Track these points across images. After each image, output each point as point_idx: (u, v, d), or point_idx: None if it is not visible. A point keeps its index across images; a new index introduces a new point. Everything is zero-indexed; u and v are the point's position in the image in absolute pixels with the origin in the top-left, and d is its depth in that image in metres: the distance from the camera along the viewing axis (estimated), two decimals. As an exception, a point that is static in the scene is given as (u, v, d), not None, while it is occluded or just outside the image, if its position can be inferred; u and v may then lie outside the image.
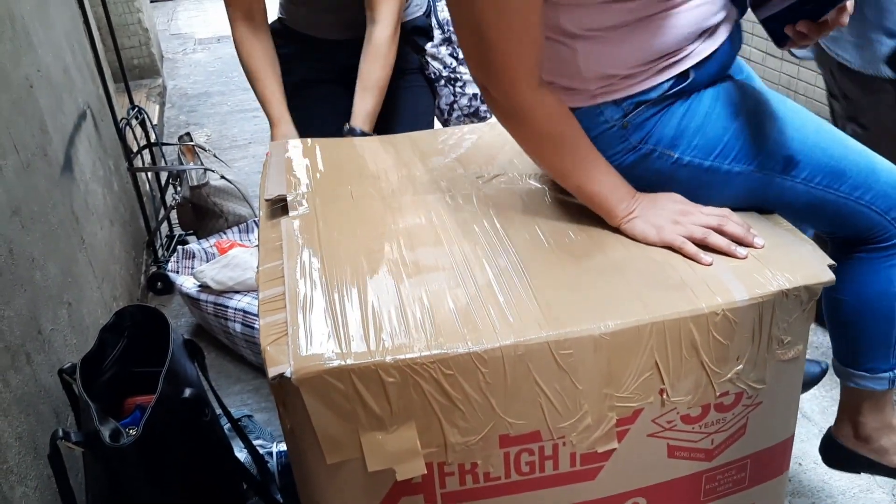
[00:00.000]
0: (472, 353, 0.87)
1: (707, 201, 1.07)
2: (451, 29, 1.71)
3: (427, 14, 1.71)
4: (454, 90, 1.76)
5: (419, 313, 0.92)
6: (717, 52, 1.06)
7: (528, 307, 0.92)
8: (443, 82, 1.74)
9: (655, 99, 1.03)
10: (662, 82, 1.03)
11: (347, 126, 1.58)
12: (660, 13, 0.99)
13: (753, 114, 1.07)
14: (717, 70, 1.08)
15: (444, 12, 1.74)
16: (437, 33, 1.72)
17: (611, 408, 0.93)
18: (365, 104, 1.56)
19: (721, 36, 1.06)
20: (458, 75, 1.75)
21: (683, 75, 1.03)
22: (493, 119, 1.51)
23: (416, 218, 1.12)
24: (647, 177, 1.07)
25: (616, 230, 1.07)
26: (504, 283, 0.97)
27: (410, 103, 1.68)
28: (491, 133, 1.41)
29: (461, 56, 1.72)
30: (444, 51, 1.73)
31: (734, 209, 1.07)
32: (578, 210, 1.12)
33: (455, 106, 1.77)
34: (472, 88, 1.77)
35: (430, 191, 1.20)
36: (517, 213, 1.13)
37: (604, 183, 1.04)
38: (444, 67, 1.73)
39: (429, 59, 1.68)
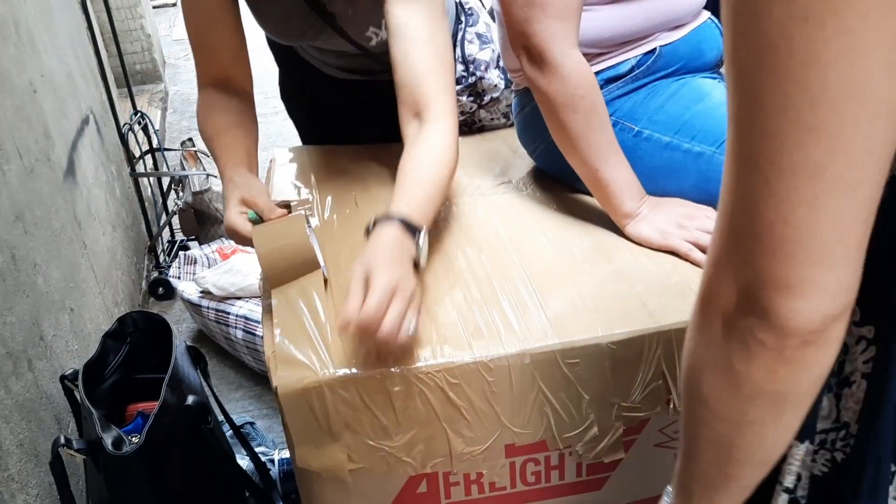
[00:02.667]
0: (478, 362, 0.86)
1: (671, 186, 1.07)
2: (480, 73, 1.41)
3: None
4: (471, 131, 1.51)
5: (424, 321, 0.91)
6: (689, 35, 1.12)
7: (535, 315, 0.91)
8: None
9: (624, 74, 1.10)
10: (631, 58, 1.10)
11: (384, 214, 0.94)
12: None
13: (720, 103, 1.08)
14: (688, 52, 1.12)
15: (472, 45, 1.40)
16: (458, 68, 1.40)
17: (618, 417, 0.92)
18: (412, 191, 0.97)
19: (691, 25, 1.13)
20: (476, 119, 1.47)
21: (651, 51, 1.10)
22: (501, 130, 1.50)
23: (421, 225, 1.12)
24: None
25: (621, 235, 1.06)
26: (510, 290, 0.96)
27: None
28: (496, 142, 1.40)
29: (486, 101, 1.47)
30: (464, 98, 1.42)
31: (710, 205, 1.06)
32: (584, 217, 1.12)
33: None
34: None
35: (434, 198, 1.20)
36: (522, 220, 1.13)
37: (621, 173, 1.04)
38: (462, 114, 1.44)
39: None
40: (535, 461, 0.93)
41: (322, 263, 0.98)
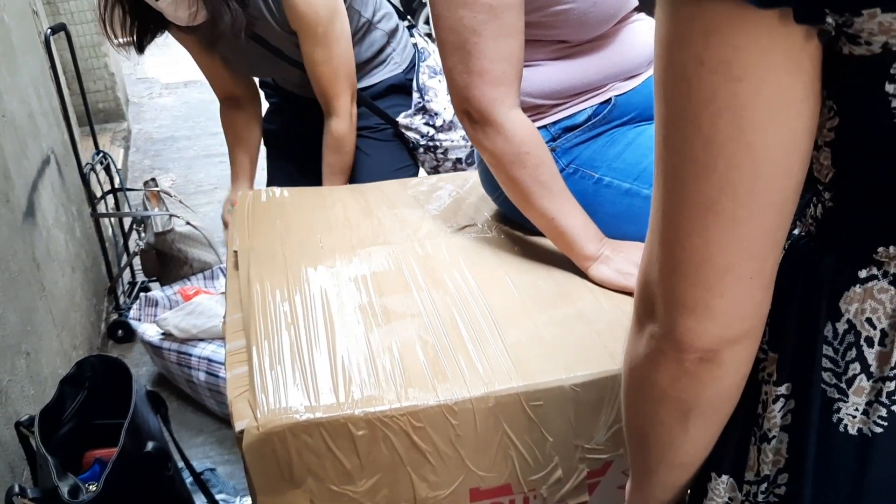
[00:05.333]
0: (442, 405, 0.86)
1: (632, 232, 1.10)
2: (428, 97, 1.67)
3: (408, 71, 1.70)
4: (436, 156, 1.72)
5: (389, 364, 0.92)
6: (642, 86, 1.14)
7: (498, 358, 0.92)
8: (422, 150, 1.71)
9: (581, 123, 1.11)
10: (587, 108, 1.12)
11: None
12: (584, 53, 1.08)
13: None
14: (642, 101, 1.14)
15: (424, 75, 1.69)
16: (414, 96, 1.68)
17: (581, 460, 0.93)
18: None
19: (645, 74, 1.15)
20: (437, 142, 1.69)
21: (606, 101, 1.12)
22: (465, 172, 1.53)
23: (387, 267, 1.12)
24: (574, 197, 1.10)
25: (583, 276, 1.08)
26: (474, 333, 0.97)
27: (383, 158, 1.68)
28: (460, 183, 1.42)
29: (438, 123, 1.68)
30: (417, 120, 1.68)
31: None
32: (547, 259, 1.13)
33: (440, 170, 1.74)
34: (455, 154, 1.73)
35: (400, 240, 1.21)
36: (487, 262, 1.14)
37: (576, 219, 1.06)
38: (421, 137, 1.69)
39: (403, 131, 1.68)
40: (499, 505, 0.93)
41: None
